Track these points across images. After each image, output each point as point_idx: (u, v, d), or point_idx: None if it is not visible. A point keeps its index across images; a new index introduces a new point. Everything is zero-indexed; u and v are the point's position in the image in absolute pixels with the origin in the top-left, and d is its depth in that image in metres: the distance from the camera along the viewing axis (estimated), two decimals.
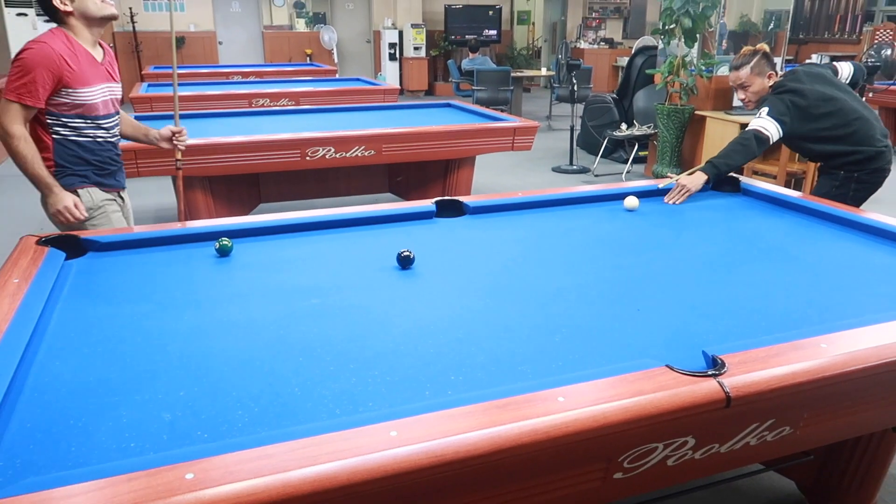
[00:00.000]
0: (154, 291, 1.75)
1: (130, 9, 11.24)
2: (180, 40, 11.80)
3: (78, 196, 2.40)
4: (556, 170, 6.69)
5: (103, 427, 1.16)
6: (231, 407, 1.22)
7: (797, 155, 5.47)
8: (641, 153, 6.51)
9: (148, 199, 5.45)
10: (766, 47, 2.98)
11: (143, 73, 8.81)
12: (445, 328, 1.54)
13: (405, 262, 1.89)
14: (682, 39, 5.54)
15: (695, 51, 5.60)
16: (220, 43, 12.15)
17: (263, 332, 1.52)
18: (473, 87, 8.68)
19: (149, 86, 7.07)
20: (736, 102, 5.40)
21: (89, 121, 2.38)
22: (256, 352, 1.43)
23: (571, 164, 6.76)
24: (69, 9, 2.27)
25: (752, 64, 2.91)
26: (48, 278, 1.73)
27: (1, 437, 1.11)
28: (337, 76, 8.90)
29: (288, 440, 1.05)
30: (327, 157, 3.97)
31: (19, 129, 2.23)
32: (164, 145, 2.77)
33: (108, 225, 2.46)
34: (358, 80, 8.18)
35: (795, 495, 2.15)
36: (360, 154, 4.06)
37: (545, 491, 1.19)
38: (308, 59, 12.29)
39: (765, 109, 2.82)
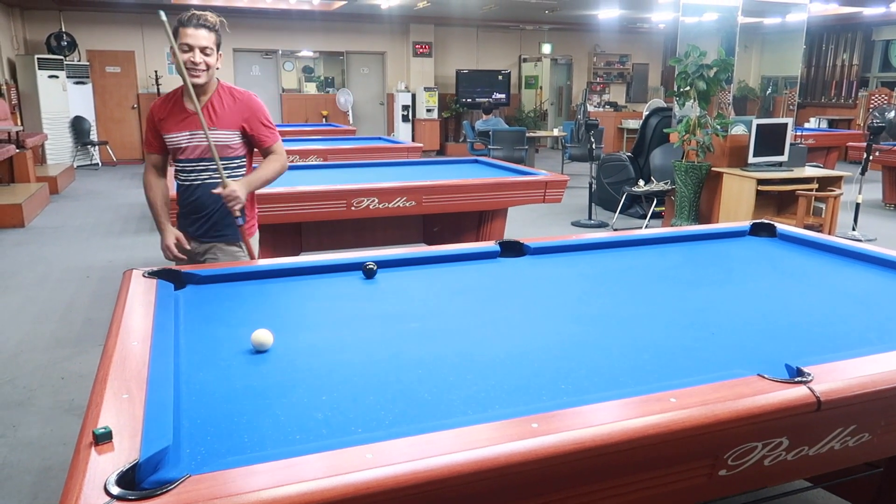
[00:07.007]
0: (263, 317, 1.90)
1: (156, 72, 11.70)
2: None
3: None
4: (576, 224, 6.91)
5: (265, 423, 1.29)
6: (373, 408, 1.36)
7: (812, 208, 5.70)
8: (658, 209, 6.74)
9: None
10: None
11: None
12: (542, 347, 1.69)
13: (369, 273, 2.20)
14: (697, 101, 5.85)
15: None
16: None
17: (378, 350, 1.66)
18: (489, 147, 8.98)
19: None
20: (752, 160, 5.66)
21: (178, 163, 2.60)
22: (378, 365, 1.57)
23: (590, 218, 6.98)
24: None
25: None
26: (168, 304, 1.88)
27: (180, 430, 1.25)
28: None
29: (440, 430, 1.19)
30: (371, 207, 4.16)
31: None
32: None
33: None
34: (380, 138, 8.51)
35: None
36: (401, 205, 4.25)
37: (662, 483, 1.31)
38: (324, 119, 12.73)
39: None
